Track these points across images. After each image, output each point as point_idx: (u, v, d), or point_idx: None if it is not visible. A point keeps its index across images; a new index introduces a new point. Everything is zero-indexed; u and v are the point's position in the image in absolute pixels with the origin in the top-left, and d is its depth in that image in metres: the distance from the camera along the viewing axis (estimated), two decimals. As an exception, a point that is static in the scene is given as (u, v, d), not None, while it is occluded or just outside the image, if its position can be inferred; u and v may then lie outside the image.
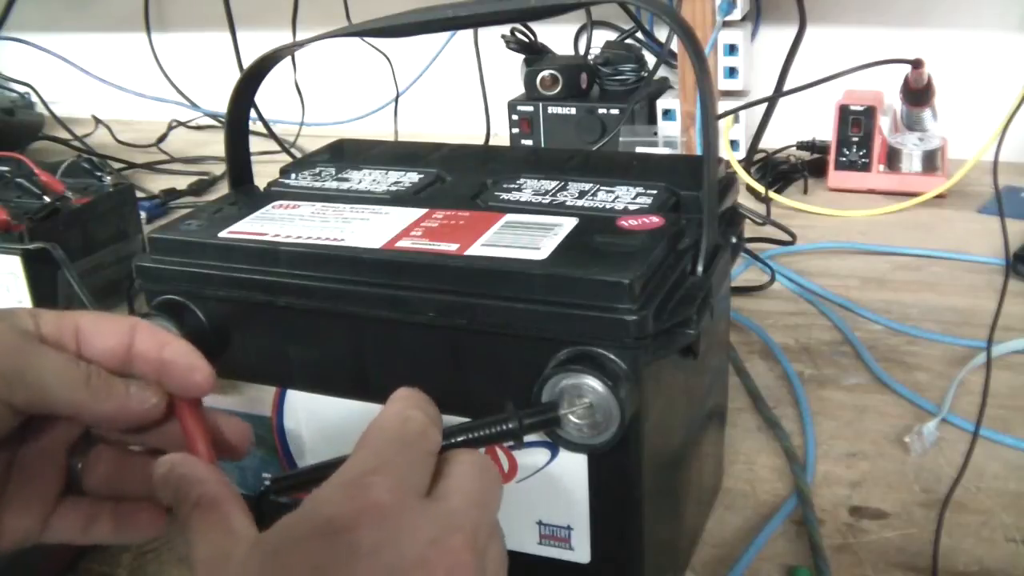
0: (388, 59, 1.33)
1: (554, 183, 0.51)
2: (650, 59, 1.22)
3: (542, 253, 0.42)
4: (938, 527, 0.54)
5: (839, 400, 0.68)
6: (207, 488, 0.36)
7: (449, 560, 0.33)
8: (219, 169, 1.27)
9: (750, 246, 0.86)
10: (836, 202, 1.04)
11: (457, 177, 0.54)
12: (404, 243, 0.44)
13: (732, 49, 1.10)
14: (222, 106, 0.53)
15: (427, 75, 1.34)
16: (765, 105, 1.04)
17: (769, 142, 1.11)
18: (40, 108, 1.43)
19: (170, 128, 1.45)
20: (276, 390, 0.48)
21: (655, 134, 1.13)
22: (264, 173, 0.56)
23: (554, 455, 0.43)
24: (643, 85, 1.16)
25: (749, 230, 0.86)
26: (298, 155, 1.20)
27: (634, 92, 1.15)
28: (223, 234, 0.47)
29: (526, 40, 1.19)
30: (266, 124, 1.20)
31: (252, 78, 0.52)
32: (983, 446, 0.61)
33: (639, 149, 1.10)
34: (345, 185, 0.53)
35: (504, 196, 0.50)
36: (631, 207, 0.47)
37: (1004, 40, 1.11)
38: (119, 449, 0.43)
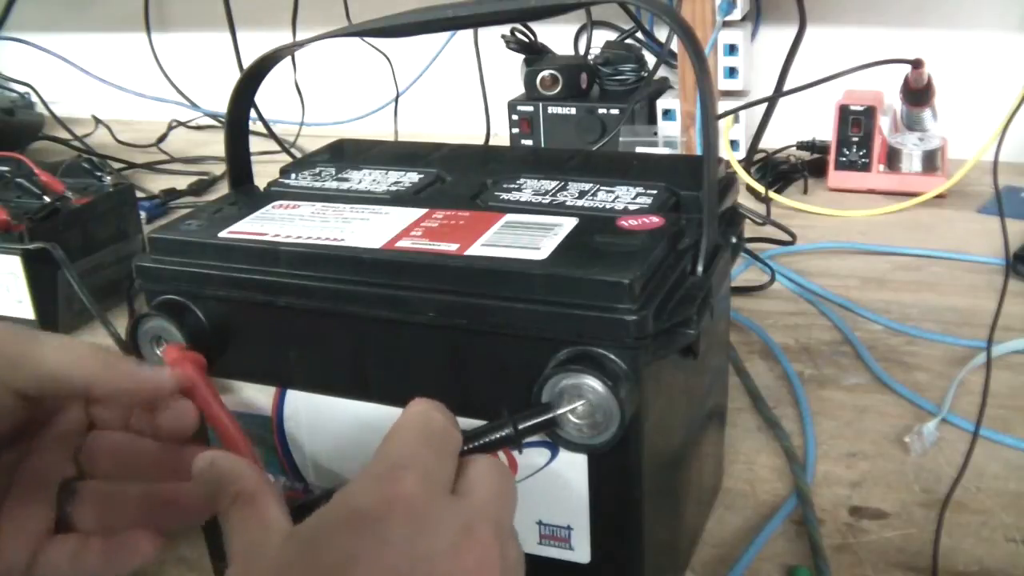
0: (388, 59, 1.33)
1: (554, 183, 0.51)
2: (650, 59, 1.22)
3: (542, 253, 0.42)
4: (938, 527, 0.54)
5: (839, 400, 0.68)
6: (245, 483, 0.37)
7: (478, 551, 0.34)
8: (219, 169, 1.27)
9: (750, 246, 0.86)
10: (836, 202, 1.04)
11: (457, 177, 0.54)
12: (404, 243, 0.44)
13: (732, 49, 1.10)
14: (222, 106, 0.53)
15: (427, 75, 1.34)
16: (765, 105, 1.04)
17: (769, 142, 1.11)
18: (40, 108, 1.43)
19: (170, 128, 1.45)
20: (276, 390, 0.48)
21: (655, 134, 1.13)
22: (264, 173, 0.56)
23: (554, 455, 0.43)
24: (643, 85, 1.16)
25: (749, 230, 0.86)
26: (298, 155, 1.20)
27: (634, 92, 1.15)
28: (223, 234, 0.47)
29: (526, 40, 1.19)
30: (266, 124, 1.20)
31: (252, 78, 0.52)
32: (983, 446, 0.61)
33: (639, 149, 1.10)
34: (345, 185, 0.53)
35: (504, 196, 0.50)
36: (631, 207, 0.47)
37: (1004, 40, 1.11)
38: (107, 483, 0.43)
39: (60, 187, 0.86)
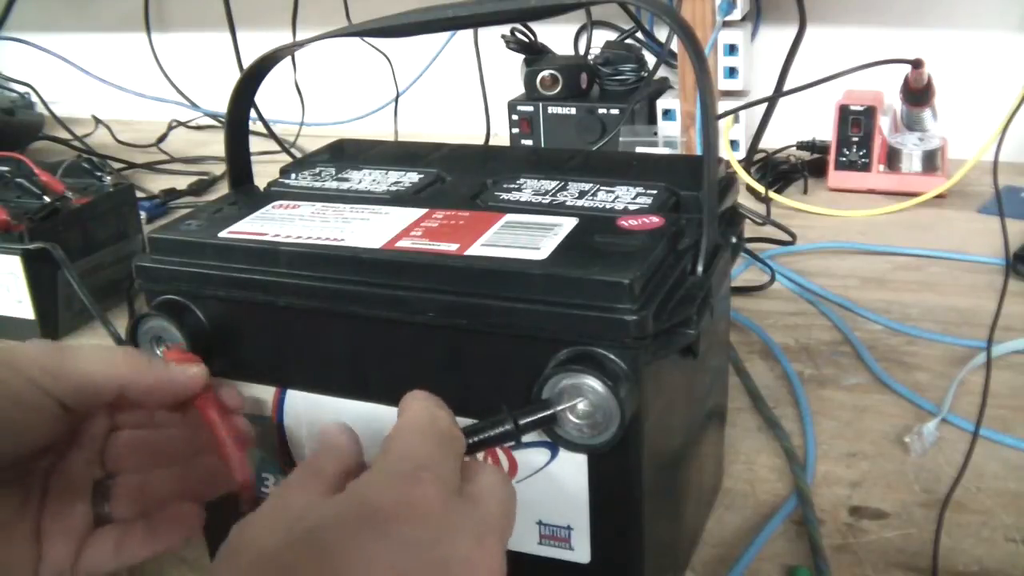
0: (388, 59, 1.33)
1: (554, 183, 0.51)
2: (650, 59, 1.22)
3: (542, 253, 0.42)
4: (938, 527, 0.54)
5: (839, 400, 0.68)
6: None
7: (488, 561, 0.34)
8: (219, 169, 1.27)
9: (750, 246, 0.86)
10: (836, 202, 1.04)
11: (457, 177, 0.54)
12: (404, 243, 0.44)
13: (732, 49, 1.10)
14: (222, 106, 0.53)
15: (427, 75, 1.34)
16: (765, 105, 1.04)
17: (769, 142, 1.11)
18: (40, 108, 1.43)
19: (170, 128, 1.45)
20: (276, 390, 0.48)
21: (655, 134, 1.13)
22: (264, 173, 0.56)
23: (554, 455, 0.43)
24: (643, 85, 1.16)
25: (749, 230, 0.86)
26: (298, 155, 1.20)
27: (634, 92, 1.15)
28: (223, 234, 0.47)
29: (526, 40, 1.19)
30: (266, 124, 1.20)
31: (252, 78, 0.52)
32: (983, 446, 0.61)
33: (639, 149, 1.10)
34: (345, 185, 0.53)
35: (504, 196, 0.50)
36: (631, 207, 0.47)
37: (1004, 40, 1.11)
38: (138, 475, 0.45)
39: (60, 187, 0.86)
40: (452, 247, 0.43)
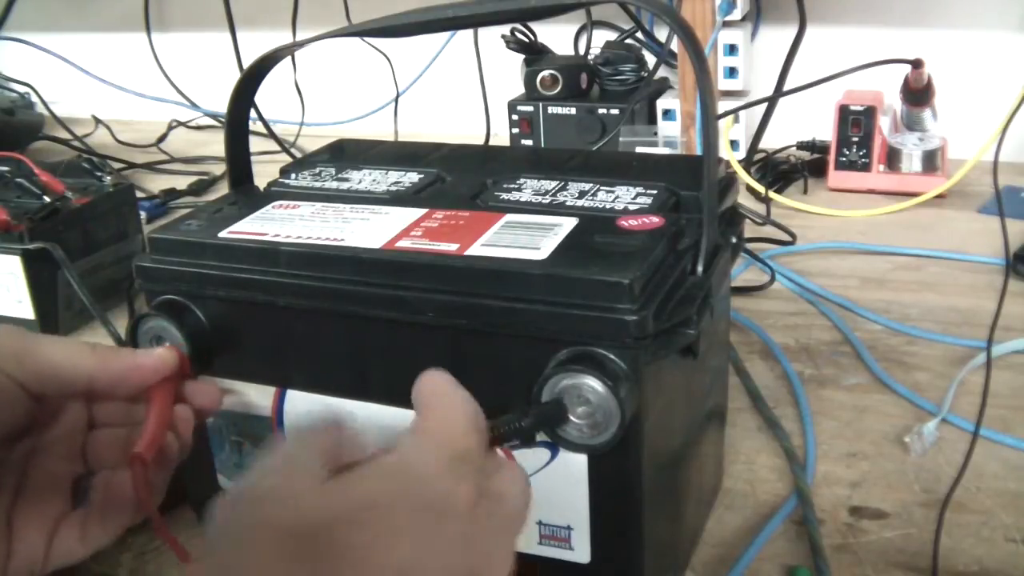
0: (388, 59, 1.33)
1: (554, 183, 0.51)
2: (650, 59, 1.22)
3: (542, 253, 0.42)
4: (938, 527, 0.54)
5: (839, 400, 0.68)
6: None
7: (506, 559, 0.34)
8: (219, 169, 1.27)
9: (750, 246, 0.86)
10: (836, 202, 1.04)
11: (457, 177, 0.54)
12: (404, 243, 0.44)
13: (732, 49, 1.10)
14: (222, 106, 0.53)
15: (427, 75, 1.34)
16: (765, 105, 1.04)
17: (769, 142, 1.11)
18: (40, 108, 1.43)
19: (170, 128, 1.45)
20: (276, 390, 0.48)
21: (655, 134, 1.13)
22: (264, 173, 0.56)
23: (554, 455, 0.43)
24: (643, 85, 1.16)
25: (749, 230, 0.86)
26: (298, 155, 1.20)
27: (634, 92, 1.15)
28: (223, 234, 0.47)
29: (526, 40, 1.19)
30: (266, 124, 1.20)
31: (252, 78, 0.52)
32: (983, 446, 0.61)
33: (639, 149, 1.10)
34: (345, 185, 0.53)
35: (504, 196, 0.50)
36: (631, 207, 0.47)
37: (1004, 40, 1.11)
38: (120, 465, 0.45)
39: (60, 187, 0.86)
40: (452, 247, 0.43)
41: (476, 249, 0.43)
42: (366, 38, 1.18)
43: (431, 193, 0.52)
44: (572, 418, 0.40)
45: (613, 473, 0.42)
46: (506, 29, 1.19)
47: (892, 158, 1.06)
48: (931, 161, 1.04)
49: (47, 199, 0.84)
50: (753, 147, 1.09)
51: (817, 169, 1.11)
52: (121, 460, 0.44)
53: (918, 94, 1.01)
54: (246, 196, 0.53)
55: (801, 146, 1.17)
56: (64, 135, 1.39)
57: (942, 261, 0.89)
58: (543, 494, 0.44)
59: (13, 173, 0.88)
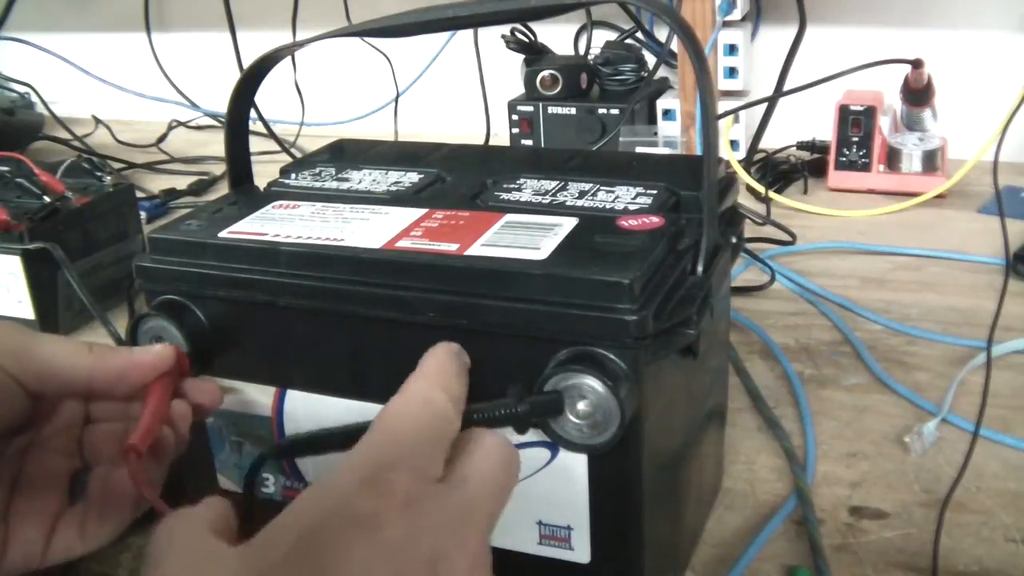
0: (388, 59, 1.33)
1: (554, 183, 0.51)
2: (650, 59, 1.22)
3: (542, 253, 0.42)
4: (938, 527, 0.54)
5: (839, 400, 0.68)
6: None
7: (471, 548, 0.33)
8: (219, 169, 1.27)
9: (750, 246, 0.86)
10: (836, 202, 1.04)
11: (457, 177, 0.54)
12: (404, 243, 0.44)
13: (732, 49, 1.10)
14: (222, 106, 0.53)
15: (427, 75, 1.34)
16: (765, 105, 1.04)
17: (769, 142, 1.11)
18: (40, 108, 1.43)
19: (170, 128, 1.45)
20: (276, 390, 0.48)
21: (655, 134, 1.13)
22: (264, 173, 0.56)
23: (554, 455, 0.43)
24: (643, 85, 1.16)
25: (749, 230, 0.86)
26: (298, 155, 1.20)
27: (634, 92, 1.15)
28: (223, 234, 0.47)
29: (526, 40, 1.19)
30: (266, 124, 1.20)
31: (252, 78, 0.52)
32: (983, 446, 0.61)
33: (639, 149, 1.10)
34: (345, 185, 0.53)
35: (504, 196, 0.50)
36: (631, 207, 0.47)
37: (1004, 40, 1.11)
38: (117, 461, 0.45)
39: (60, 187, 0.86)
40: (452, 247, 0.43)
41: (476, 249, 0.43)
42: (366, 38, 1.18)
43: (431, 193, 0.52)
44: (572, 417, 0.40)
45: (613, 473, 0.42)
46: (506, 29, 1.19)
47: (892, 158, 1.06)
48: (931, 161, 1.04)
49: (47, 199, 0.84)
50: (753, 147, 1.09)
51: (817, 169, 1.11)
52: (118, 456, 0.45)
53: (918, 94, 1.01)
54: (246, 196, 0.53)
55: (801, 146, 1.17)
56: (64, 135, 1.39)
57: (942, 261, 0.89)
58: (543, 494, 0.44)
59: (13, 173, 0.88)
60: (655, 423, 0.43)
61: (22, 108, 1.37)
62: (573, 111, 1.15)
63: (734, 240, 0.49)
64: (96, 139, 1.44)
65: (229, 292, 0.46)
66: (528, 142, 1.18)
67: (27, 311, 0.82)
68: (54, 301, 0.83)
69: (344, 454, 0.35)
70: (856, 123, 1.05)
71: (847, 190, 1.07)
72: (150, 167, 1.31)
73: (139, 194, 1.08)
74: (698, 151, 1.07)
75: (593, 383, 0.39)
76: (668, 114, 1.13)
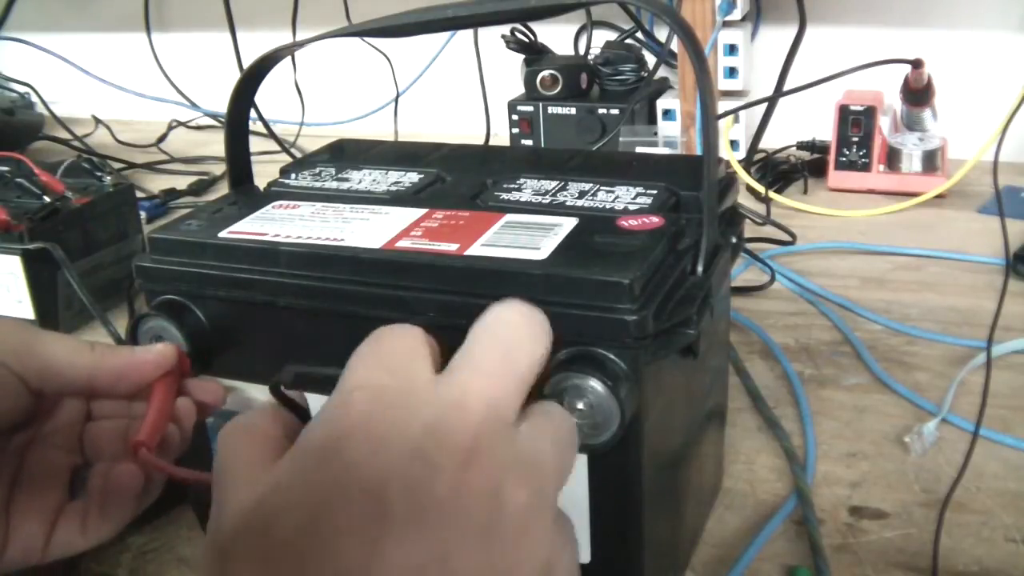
0: (388, 59, 1.33)
1: (554, 183, 0.51)
2: (650, 59, 1.22)
3: (542, 253, 0.42)
4: (938, 527, 0.54)
5: (839, 400, 0.68)
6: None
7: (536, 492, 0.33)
8: (219, 169, 1.27)
9: (750, 246, 0.86)
10: (836, 202, 1.04)
11: (457, 177, 0.54)
12: (404, 243, 0.44)
13: (732, 49, 1.10)
14: (222, 106, 0.53)
15: (427, 75, 1.34)
16: (765, 105, 1.04)
17: (769, 142, 1.11)
18: (40, 108, 1.43)
19: (170, 128, 1.45)
20: (276, 390, 0.48)
21: (655, 134, 1.13)
22: (264, 173, 0.56)
23: (554, 455, 0.43)
24: (643, 85, 1.16)
25: (749, 230, 0.86)
26: (298, 155, 1.20)
27: (634, 92, 1.15)
28: (223, 234, 0.47)
29: (526, 40, 1.19)
30: (266, 124, 1.20)
31: (252, 78, 0.52)
32: (983, 446, 0.61)
33: (639, 149, 1.10)
34: (345, 185, 0.53)
35: (504, 196, 0.50)
36: (631, 207, 0.47)
37: (1004, 40, 1.11)
38: (117, 458, 0.45)
39: (60, 187, 0.86)
40: (452, 247, 0.43)
41: (476, 249, 0.43)
42: (366, 38, 1.18)
43: (431, 193, 0.52)
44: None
45: (613, 473, 0.42)
46: (506, 29, 1.19)
47: (892, 158, 1.06)
48: (931, 161, 1.04)
49: (47, 199, 0.84)
50: (753, 147, 1.09)
51: (817, 169, 1.11)
52: (119, 452, 0.45)
53: (918, 94, 1.01)
54: (246, 196, 0.53)
55: (801, 146, 1.17)
56: (64, 135, 1.39)
57: (942, 261, 0.89)
58: (543, 494, 0.44)
59: (13, 173, 0.88)
60: (655, 423, 0.43)
61: (22, 108, 1.37)
62: (573, 111, 1.15)
63: (734, 240, 0.49)
64: (96, 139, 1.44)
65: (229, 292, 0.46)
66: (528, 142, 1.18)
67: (27, 311, 0.82)
68: (54, 301, 0.83)
69: None
70: (856, 123, 1.05)
71: (847, 190, 1.07)
72: (150, 167, 1.31)
73: (139, 194, 1.08)
74: (698, 151, 1.07)
75: (593, 383, 0.39)
76: (668, 114, 1.13)
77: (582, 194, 0.49)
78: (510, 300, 0.37)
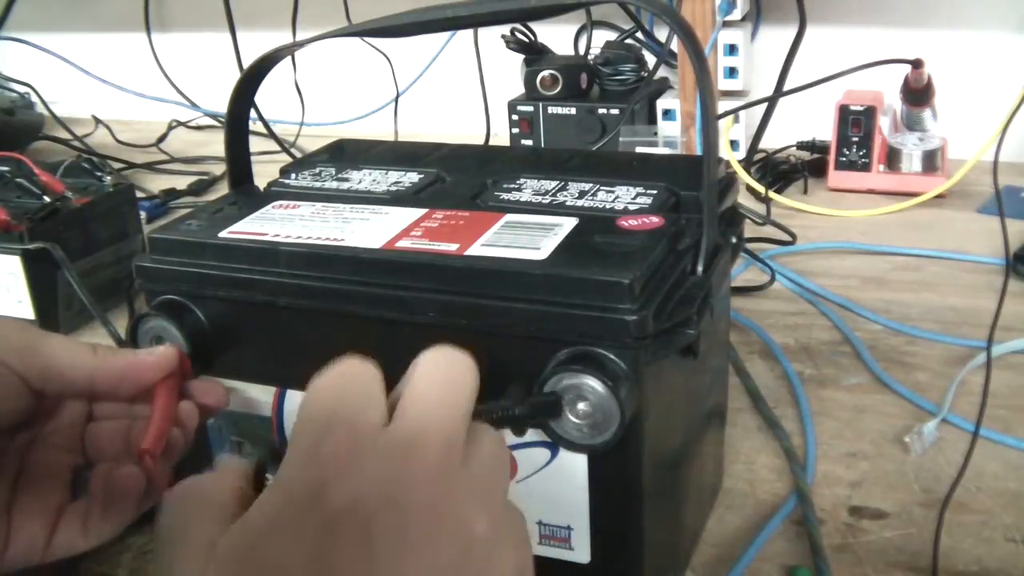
0: (388, 59, 1.33)
1: (554, 183, 0.51)
2: (650, 59, 1.22)
3: (542, 253, 0.42)
4: (938, 527, 0.54)
5: (839, 400, 0.68)
6: None
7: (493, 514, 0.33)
8: (219, 169, 1.27)
9: (750, 246, 0.86)
10: (836, 202, 1.04)
11: (457, 177, 0.54)
12: (404, 243, 0.44)
13: (732, 49, 1.10)
14: (222, 106, 0.53)
15: (427, 75, 1.34)
16: (765, 105, 1.04)
17: (769, 142, 1.11)
18: (40, 108, 1.43)
19: (170, 128, 1.45)
20: (276, 390, 0.48)
21: (655, 134, 1.13)
22: (264, 173, 0.56)
23: (554, 455, 0.43)
24: (643, 85, 1.16)
25: (749, 230, 0.86)
26: (298, 155, 1.20)
27: (634, 92, 1.15)
28: (223, 234, 0.47)
29: (526, 40, 1.19)
30: (266, 124, 1.20)
31: (252, 78, 0.52)
32: (983, 446, 0.61)
33: (639, 149, 1.10)
34: (345, 185, 0.53)
35: (504, 196, 0.50)
36: (631, 207, 0.47)
37: (1004, 40, 1.11)
38: (119, 458, 0.45)
39: (60, 187, 0.86)
40: (452, 247, 0.43)
41: (476, 249, 0.43)
42: (366, 38, 1.18)
43: (431, 193, 0.52)
44: (572, 418, 0.40)
45: (613, 473, 0.42)
46: (506, 29, 1.19)
47: (892, 158, 1.06)
48: (931, 161, 1.04)
49: (47, 199, 0.84)
50: (753, 147, 1.09)
51: (817, 169, 1.11)
52: (121, 452, 0.45)
53: (918, 94, 1.01)
54: (246, 196, 0.53)
55: (801, 146, 1.17)
56: (64, 135, 1.39)
57: (942, 261, 0.89)
58: (543, 494, 0.44)
59: (13, 173, 0.88)
60: (655, 423, 0.43)
61: (22, 108, 1.37)
62: (573, 111, 1.15)
63: (734, 240, 0.49)
64: (96, 139, 1.44)
65: (229, 292, 0.46)
66: (528, 142, 1.18)
67: (27, 311, 0.82)
68: (54, 301, 0.83)
69: None
70: (856, 123, 1.05)
71: (847, 190, 1.07)
72: (150, 167, 1.31)
73: (139, 194, 1.08)
74: (698, 151, 1.07)
75: (593, 383, 0.39)
76: (668, 114, 1.13)
77: (582, 194, 0.49)
78: (437, 346, 0.37)
